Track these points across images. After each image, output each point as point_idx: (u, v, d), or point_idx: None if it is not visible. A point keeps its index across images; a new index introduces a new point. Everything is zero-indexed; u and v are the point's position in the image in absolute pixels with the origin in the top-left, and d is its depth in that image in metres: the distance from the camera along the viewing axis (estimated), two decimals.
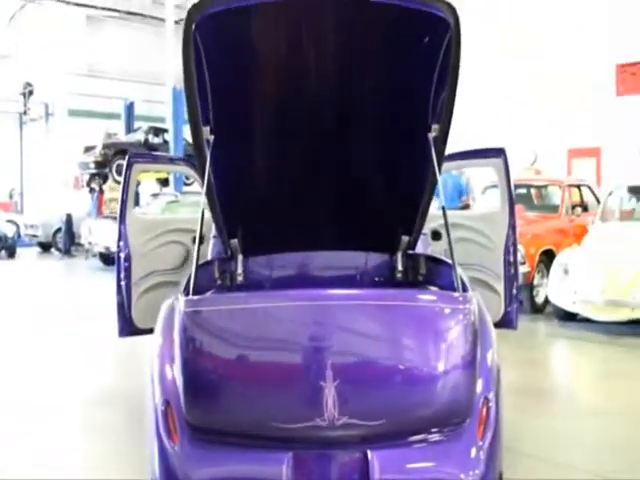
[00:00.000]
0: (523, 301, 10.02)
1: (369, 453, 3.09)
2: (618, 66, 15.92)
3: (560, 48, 16.42)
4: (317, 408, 3.00)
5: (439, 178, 3.94)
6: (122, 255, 5.73)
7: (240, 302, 3.43)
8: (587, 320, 8.87)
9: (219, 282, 4.79)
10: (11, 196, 30.85)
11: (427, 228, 5.13)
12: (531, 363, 7.62)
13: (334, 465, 3.15)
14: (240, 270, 4.79)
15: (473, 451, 3.20)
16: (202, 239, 5.53)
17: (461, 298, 3.33)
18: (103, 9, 30.12)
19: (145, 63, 31.15)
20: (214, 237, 5.05)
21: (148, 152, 17.66)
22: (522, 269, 9.68)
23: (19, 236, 22.47)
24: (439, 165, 4.01)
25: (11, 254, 20.63)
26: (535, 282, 10.20)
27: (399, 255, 4.86)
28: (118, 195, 18.85)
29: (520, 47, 17.03)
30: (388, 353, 3.23)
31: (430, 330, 3.26)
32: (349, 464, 3.13)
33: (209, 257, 5.01)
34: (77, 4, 29.65)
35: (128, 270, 5.71)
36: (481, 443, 3.22)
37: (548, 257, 10.14)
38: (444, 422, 3.20)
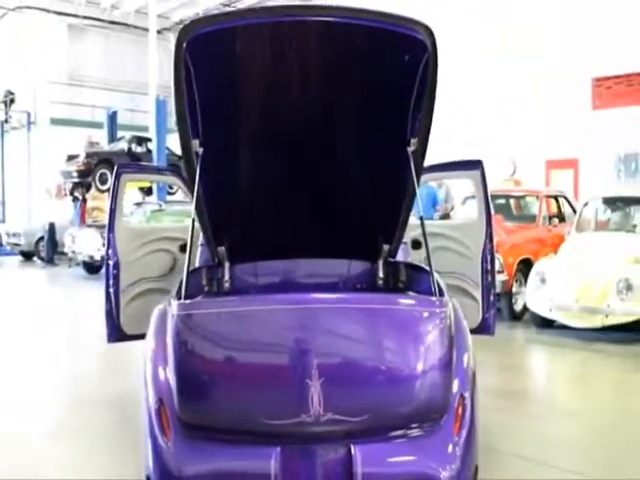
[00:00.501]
0: (501, 308, 10.26)
1: (352, 448, 3.26)
2: (594, 80, 16.19)
3: (538, 60, 16.69)
4: (303, 405, 3.18)
5: (417, 189, 4.14)
6: (111, 263, 5.86)
7: (229, 305, 3.61)
8: (563, 327, 9.10)
9: (206, 288, 4.97)
10: None
11: (408, 237, 5.33)
12: (509, 368, 7.85)
13: (319, 459, 3.32)
14: (227, 277, 4.97)
15: (450, 446, 3.39)
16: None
17: (437, 302, 3.54)
18: (85, 18, 30.19)
19: (128, 72, 31.26)
20: (202, 245, 5.21)
21: (136, 163, 17.74)
22: (501, 278, 9.92)
23: (0, 245, 22.44)
24: (417, 177, 4.23)
25: None
26: (514, 290, 10.39)
27: (380, 263, 5.06)
28: (101, 204, 18.93)
29: (499, 52, 17.29)
30: (369, 353, 3.41)
31: (408, 332, 3.45)
32: (333, 458, 3.30)
33: (197, 264, 5.18)
34: (58, 13, 29.71)
35: (117, 277, 5.85)
36: (457, 438, 3.41)
37: (526, 266, 10.31)
38: (422, 418, 3.39)
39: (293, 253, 5.10)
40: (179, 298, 3.62)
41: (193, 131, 4.08)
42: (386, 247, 4.96)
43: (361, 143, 4.45)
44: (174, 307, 3.44)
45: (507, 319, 10.27)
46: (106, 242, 5.93)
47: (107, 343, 5.84)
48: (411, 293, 4.70)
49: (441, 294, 3.76)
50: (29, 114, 29.57)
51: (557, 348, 8.64)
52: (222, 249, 4.91)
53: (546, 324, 9.45)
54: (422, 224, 4.13)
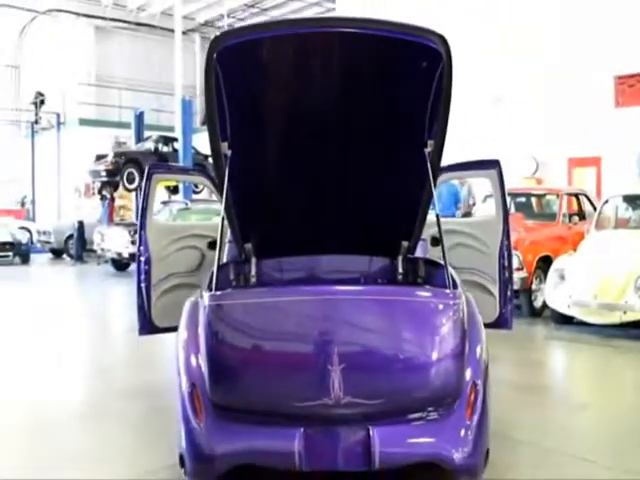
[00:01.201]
0: (521, 305, 10.43)
1: (370, 429, 3.54)
2: (616, 78, 16.24)
3: (561, 58, 16.74)
4: (325, 389, 3.46)
5: (434, 189, 4.38)
6: (142, 259, 6.05)
7: (258, 296, 3.93)
8: (582, 323, 9.26)
9: (234, 283, 5.23)
10: (23, 204, 31.27)
11: (427, 234, 5.55)
12: (528, 362, 8.03)
13: (340, 439, 3.60)
14: (253, 272, 5.25)
15: (462, 429, 3.66)
16: (215, 244, 5.99)
17: (451, 295, 3.79)
18: (112, 20, 30.69)
19: (154, 73, 31.70)
20: (229, 242, 5.47)
21: (166, 163, 18.07)
22: (520, 275, 10.08)
23: (32, 242, 22.87)
24: (434, 177, 4.48)
25: (25, 260, 21.00)
26: (533, 287, 10.50)
27: (400, 259, 5.31)
28: (128, 203, 19.28)
29: (521, 51, 17.38)
30: (386, 342, 3.70)
31: (423, 322, 3.74)
32: (353, 438, 3.58)
33: (225, 260, 5.44)
34: (86, 15, 30.23)
35: (148, 273, 6.05)
36: (469, 422, 3.67)
37: (546, 263, 10.43)
38: (436, 403, 3.66)
39: (316, 250, 5.35)
40: (210, 290, 3.89)
41: (222, 134, 4.35)
42: (405, 244, 5.20)
43: (381, 145, 4.69)
44: (206, 298, 3.72)
45: (527, 315, 10.42)
46: (138, 239, 6.15)
47: (139, 336, 6.08)
48: (428, 287, 4.94)
49: (455, 288, 4.00)
50: (58, 115, 30.11)
51: (575, 344, 8.80)
52: (249, 246, 5.18)
53: (565, 320, 9.59)
54: (438, 222, 4.36)
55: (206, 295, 3.78)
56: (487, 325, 5.70)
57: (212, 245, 6.06)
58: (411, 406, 3.66)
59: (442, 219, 5.31)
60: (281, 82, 4.35)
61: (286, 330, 3.72)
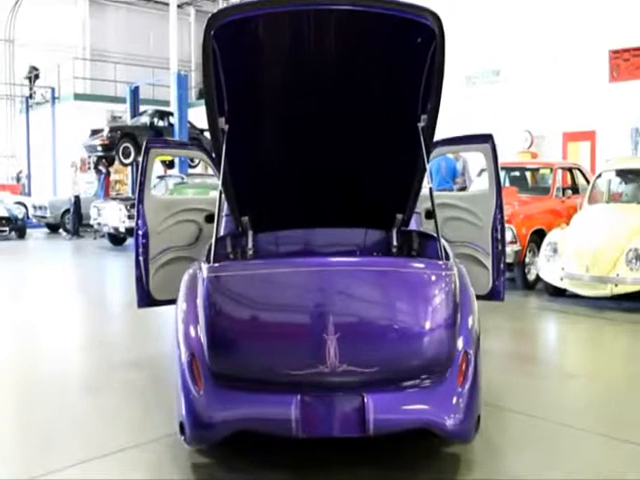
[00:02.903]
0: (515, 278, 10.55)
1: (365, 396, 3.66)
2: (611, 52, 16.25)
3: (557, 32, 16.75)
4: (321, 357, 3.59)
5: (427, 163, 4.47)
6: (140, 233, 6.15)
7: (255, 268, 4.05)
8: (575, 295, 9.40)
9: (231, 256, 5.33)
10: (19, 179, 31.26)
11: (421, 208, 5.65)
12: (520, 332, 8.19)
13: (335, 406, 3.72)
14: (250, 245, 5.34)
15: (454, 396, 3.79)
16: (213, 217, 6.07)
17: (444, 266, 3.90)
18: None
19: (149, 47, 31.61)
20: (226, 215, 5.55)
21: (163, 138, 18.09)
22: (514, 248, 10.19)
23: (27, 218, 22.85)
24: (427, 150, 4.58)
25: (21, 235, 21.03)
26: (527, 260, 10.61)
27: (394, 231, 5.40)
28: (124, 177, 19.35)
29: (518, 26, 17.37)
30: (380, 311, 3.84)
31: (416, 292, 3.86)
32: (348, 405, 3.70)
33: (222, 234, 5.53)
34: None
35: (146, 246, 6.14)
36: (460, 390, 3.80)
37: (539, 236, 10.52)
38: (429, 371, 3.78)
39: (312, 223, 5.44)
40: (208, 262, 3.98)
41: (219, 110, 4.42)
42: (399, 217, 5.29)
43: (375, 120, 4.77)
44: (204, 270, 3.83)
45: (520, 288, 10.54)
46: (135, 213, 6.23)
47: (137, 308, 6.16)
48: (421, 258, 5.04)
49: (447, 260, 4.10)
50: (53, 89, 29.96)
51: (568, 315, 8.92)
52: (246, 219, 5.26)
53: (558, 293, 9.73)
54: (431, 195, 4.46)
55: (204, 267, 3.89)
56: (480, 297, 5.76)
57: (209, 219, 6.14)
58: (404, 374, 3.78)
59: (436, 193, 5.42)
60: (277, 58, 4.43)
61: (282, 300, 3.84)
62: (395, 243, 5.42)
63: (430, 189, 4.53)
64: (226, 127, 4.47)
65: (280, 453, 4.12)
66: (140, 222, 6.22)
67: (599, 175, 10.83)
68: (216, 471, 4.06)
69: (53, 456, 4.36)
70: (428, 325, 3.74)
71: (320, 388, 3.71)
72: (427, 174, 4.72)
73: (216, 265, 3.94)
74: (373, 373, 3.68)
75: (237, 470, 4.05)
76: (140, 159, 6.22)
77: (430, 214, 6.03)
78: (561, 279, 9.41)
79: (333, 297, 3.74)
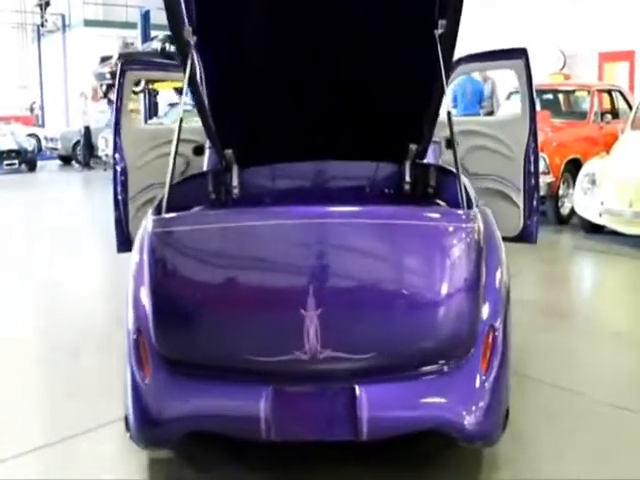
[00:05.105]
0: (547, 212, 9.71)
1: (357, 388, 2.82)
2: None
3: None
4: (297, 340, 2.72)
5: (445, 81, 3.54)
6: (118, 168, 5.48)
7: (214, 221, 3.09)
8: (614, 233, 8.50)
9: (213, 195, 4.53)
10: (32, 110, 30.80)
11: (440, 136, 4.81)
12: (554, 278, 7.35)
13: (317, 401, 2.89)
14: (236, 182, 4.55)
15: (476, 386, 2.92)
16: (202, 150, 5.28)
17: (464, 216, 2.95)
18: None
19: None
20: (210, 148, 4.77)
21: (141, 59, 17.19)
22: (546, 179, 9.41)
23: (40, 150, 22.44)
24: (447, 66, 3.68)
25: (32, 168, 20.58)
26: (560, 193, 9.84)
27: (407, 165, 4.56)
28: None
29: None
30: (377, 278, 2.88)
31: (426, 252, 2.91)
32: (334, 400, 2.86)
33: (205, 169, 4.75)
34: None
35: (125, 184, 5.48)
36: (484, 377, 2.93)
37: (575, 166, 9.74)
38: (443, 354, 2.91)
39: (311, 155, 4.60)
40: (159, 212, 3.14)
41: (188, 15, 3.59)
42: (413, 147, 4.44)
43: (382, 26, 3.87)
44: (149, 223, 2.95)
45: (553, 223, 9.72)
46: (112, 146, 5.56)
47: (117, 253, 5.44)
48: (440, 201, 4.20)
49: (469, 205, 3.18)
50: (63, 16, 29.13)
51: (607, 256, 8.07)
52: (229, 152, 4.46)
53: (595, 229, 8.87)
54: (450, 121, 3.54)
55: (150, 219, 2.99)
56: (509, 239, 5.06)
57: (198, 150, 5.41)
58: (410, 359, 2.90)
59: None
60: None
61: (248, 264, 2.91)
62: (408, 179, 4.56)
63: (448, 113, 3.59)
64: (194, 39, 3.63)
65: (257, 447, 3.24)
66: (118, 156, 5.54)
67: None
68: (180, 470, 3.31)
69: None
70: (442, 295, 2.81)
71: (297, 379, 2.87)
72: (447, 95, 3.80)
73: (165, 217, 3.05)
74: (367, 359, 2.80)
75: (205, 469, 3.28)
76: (119, 81, 5.44)
77: (450, 143, 5.32)
78: (600, 215, 8.51)
79: (314, 260, 2.81)
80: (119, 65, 5.57)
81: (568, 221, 9.83)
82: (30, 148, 20.83)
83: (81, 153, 20.68)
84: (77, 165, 21.14)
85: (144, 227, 3.32)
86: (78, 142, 20.96)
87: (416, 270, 2.89)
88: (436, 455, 3.36)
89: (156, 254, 2.91)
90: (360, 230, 2.89)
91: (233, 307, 2.87)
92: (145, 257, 2.96)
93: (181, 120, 3.59)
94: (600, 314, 6.13)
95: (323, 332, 2.69)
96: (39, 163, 21.17)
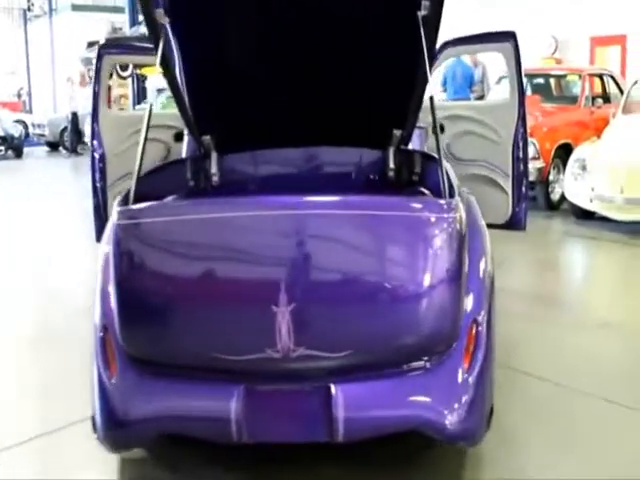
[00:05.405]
0: (537, 197, 9.61)
1: (333, 387, 2.68)
2: None
3: None
4: (268, 338, 2.58)
5: (427, 65, 3.37)
6: (96, 155, 5.35)
7: (181, 213, 2.91)
8: (605, 219, 8.36)
9: (192, 183, 4.40)
10: (19, 95, 30.47)
11: (426, 122, 4.66)
12: (542, 265, 7.24)
13: (290, 401, 2.76)
14: (215, 170, 4.41)
15: (458, 384, 2.78)
16: (182, 136, 5.14)
17: (445, 206, 2.78)
18: None
19: None
20: (188, 134, 4.63)
21: (119, 42, 16.98)
22: (537, 165, 9.32)
23: (27, 136, 22.18)
24: (430, 49, 3.53)
25: (18, 154, 20.36)
26: (551, 178, 9.71)
27: (391, 151, 4.41)
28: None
29: None
30: (354, 271, 2.72)
31: (405, 243, 2.76)
32: (308, 400, 2.73)
33: (183, 156, 4.62)
34: None
35: (103, 172, 5.35)
36: (467, 375, 2.79)
37: (565, 152, 9.62)
38: (424, 351, 2.77)
39: (293, 141, 4.46)
40: (126, 202, 2.98)
41: None
42: (397, 132, 4.29)
43: (365, 7, 3.70)
44: (114, 214, 2.80)
45: (543, 209, 9.60)
46: (90, 132, 5.41)
47: (96, 243, 5.29)
48: (424, 189, 4.08)
49: (452, 193, 3.03)
50: (50, 0, 28.75)
51: (597, 242, 7.93)
52: (207, 138, 4.31)
53: (586, 215, 8.73)
54: (432, 106, 3.37)
55: (115, 210, 2.84)
56: (498, 226, 4.99)
57: (179, 137, 5.24)
58: (389, 357, 2.76)
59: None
60: None
61: (217, 258, 2.76)
62: (392, 165, 4.41)
63: (431, 97, 3.42)
64: (167, 20, 3.46)
65: (232, 447, 3.00)
66: (96, 143, 5.41)
67: (636, 82, 9.73)
68: (154, 470, 3.17)
69: None
70: (422, 288, 2.65)
71: (270, 378, 2.73)
72: (433, 79, 3.66)
73: (131, 208, 2.88)
74: (344, 357, 2.65)
75: (179, 469, 3.15)
76: (96, 65, 5.29)
77: (439, 128, 5.21)
78: (590, 201, 8.39)
79: (286, 253, 2.66)
80: (97, 49, 5.43)
81: (559, 207, 9.70)
82: (17, 134, 20.62)
83: (69, 139, 20.45)
84: (65, 151, 20.91)
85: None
86: (65, 128, 20.71)
87: (394, 263, 2.75)
88: (417, 454, 3.22)
89: (121, 247, 2.75)
90: (335, 221, 2.74)
91: (201, 303, 2.72)
92: (111, 250, 2.81)
93: (151, 106, 3.40)
94: (589, 303, 5.99)
95: (296, 329, 2.55)
96: (26, 149, 20.92)
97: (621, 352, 4.73)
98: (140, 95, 20.17)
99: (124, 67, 19.22)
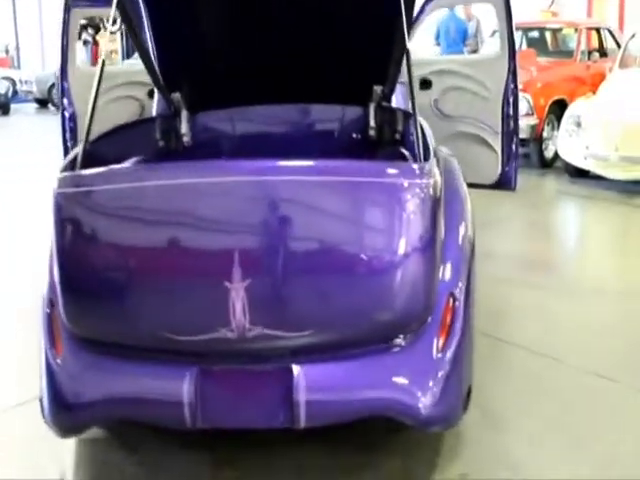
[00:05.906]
0: (530, 154, 9.41)
1: (294, 369, 2.48)
2: None
3: None
4: (221, 317, 2.36)
5: (403, 14, 3.10)
6: (66, 114, 5.18)
7: (127, 179, 2.64)
8: (600, 177, 8.13)
9: (162, 143, 4.17)
10: (7, 51, 29.83)
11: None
12: (534, 226, 7.04)
13: (247, 383, 2.55)
14: (185, 129, 4.19)
15: (433, 364, 2.57)
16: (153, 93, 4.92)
17: (418, 170, 2.52)
18: None
19: None
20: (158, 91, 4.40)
21: None
22: (530, 121, 9.08)
23: (16, 93, 21.77)
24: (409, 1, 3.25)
25: (5, 111, 19.99)
26: (544, 135, 9.45)
27: (371, 108, 4.19)
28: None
29: None
30: (317, 242, 2.48)
31: (374, 212, 2.52)
32: (267, 382, 2.53)
33: (153, 114, 4.40)
34: None
35: (74, 131, 5.16)
36: (441, 354, 2.58)
37: (560, 108, 9.34)
38: (394, 328, 2.55)
39: (269, 97, 4.23)
40: (72, 168, 2.74)
41: None
42: (378, 89, 4.06)
43: None
44: (54, 182, 2.54)
45: (536, 167, 9.37)
46: (59, 90, 5.26)
47: None
48: (404, 150, 3.87)
49: (427, 155, 2.77)
50: None
51: (591, 201, 7.74)
52: (177, 95, 4.09)
53: (580, 174, 8.50)
54: (408, 60, 3.06)
55: (56, 177, 2.57)
56: (487, 186, 4.92)
57: (152, 94, 5.01)
58: (356, 335, 2.54)
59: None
60: None
61: (164, 230, 2.50)
62: (372, 124, 4.19)
63: (407, 51, 3.14)
64: None
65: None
66: (66, 101, 5.23)
67: (633, 35, 9.43)
68: (107, 451, 2.99)
69: None
70: (391, 260, 2.42)
71: (225, 358, 2.54)
72: (411, 32, 3.43)
73: (72, 175, 2.64)
74: (306, 337, 2.45)
75: (133, 449, 2.98)
76: (63, 18, 5.05)
77: (426, 83, 5.09)
78: (585, 159, 8.15)
79: (240, 224, 2.43)
80: (64, 2, 5.16)
81: (552, 164, 9.48)
82: (3, 91, 20.25)
83: (57, 96, 20.13)
84: (53, 108, 20.55)
85: None
86: (53, 85, 20.24)
87: (361, 232, 2.50)
88: (386, 438, 3.02)
89: (61, 216, 2.51)
90: (296, 188, 2.49)
91: (148, 279, 2.50)
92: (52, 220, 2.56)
93: (103, 62, 3.11)
94: (583, 268, 5.76)
95: (251, 307, 2.33)
96: (14, 106, 20.52)
97: (615, 321, 4.49)
98: (129, 50, 19.76)
99: (113, 21, 18.74)
